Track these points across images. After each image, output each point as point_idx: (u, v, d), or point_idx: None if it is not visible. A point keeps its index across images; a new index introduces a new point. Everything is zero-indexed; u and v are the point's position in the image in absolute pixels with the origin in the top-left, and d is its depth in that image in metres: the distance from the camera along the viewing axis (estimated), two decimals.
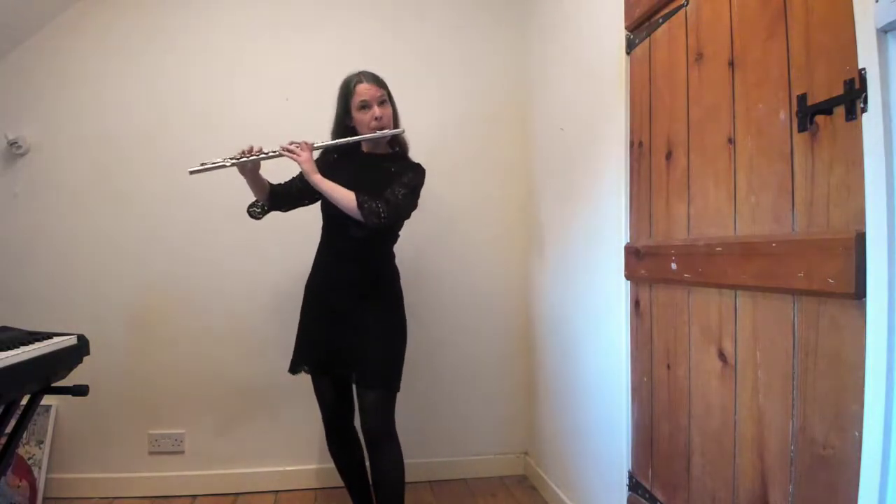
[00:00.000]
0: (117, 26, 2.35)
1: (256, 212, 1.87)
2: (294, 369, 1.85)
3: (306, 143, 1.71)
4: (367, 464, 1.84)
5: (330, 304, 1.79)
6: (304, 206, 1.90)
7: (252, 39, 2.42)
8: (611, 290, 1.71)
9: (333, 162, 1.83)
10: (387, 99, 1.77)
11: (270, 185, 1.84)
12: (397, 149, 1.85)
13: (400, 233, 1.88)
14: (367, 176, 1.73)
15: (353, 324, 1.74)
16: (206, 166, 1.69)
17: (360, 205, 1.63)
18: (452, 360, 2.51)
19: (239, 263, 2.38)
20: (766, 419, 1.07)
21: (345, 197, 1.65)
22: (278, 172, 1.88)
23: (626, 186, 1.63)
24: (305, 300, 1.88)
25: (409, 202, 1.72)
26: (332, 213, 1.78)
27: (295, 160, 1.69)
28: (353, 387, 1.78)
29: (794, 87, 1.01)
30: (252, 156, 1.70)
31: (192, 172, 1.70)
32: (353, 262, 1.77)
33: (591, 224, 1.89)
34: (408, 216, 1.78)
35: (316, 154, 1.76)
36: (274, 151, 1.70)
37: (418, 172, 1.77)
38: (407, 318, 1.84)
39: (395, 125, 1.79)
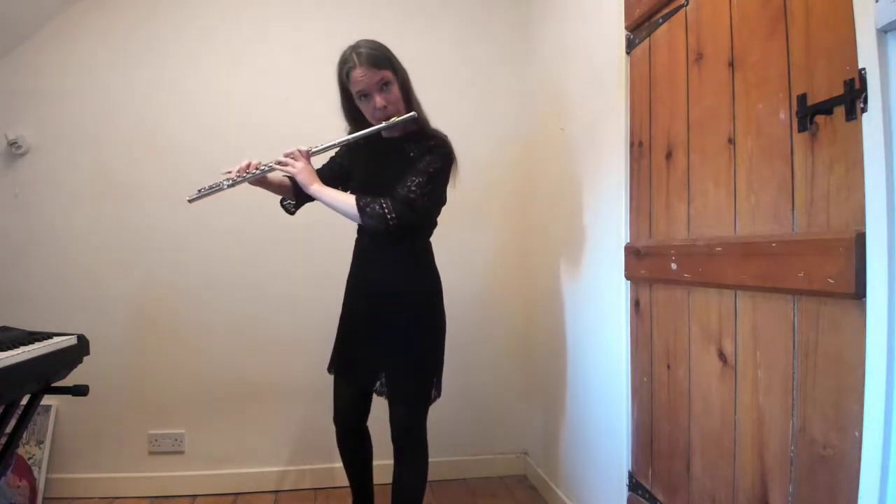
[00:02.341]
0: (117, 26, 2.35)
1: (290, 206, 1.75)
2: (330, 368, 1.74)
3: (300, 151, 1.56)
4: (374, 463, 1.80)
5: (356, 308, 1.67)
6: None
7: (252, 38, 2.42)
8: (611, 290, 1.71)
9: (357, 148, 1.68)
10: (391, 79, 1.51)
11: (292, 179, 1.67)
12: (415, 128, 1.60)
13: (438, 219, 1.70)
14: (388, 163, 1.57)
15: (379, 332, 1.60)
16: (204, 192, 1.58)
17: (360, 210, 1.47)
18: (452, 360, 2.49)
19: (240, 263, 2.38)
20: (766, 419, 1.07)
21: (346, 203, 1.50)
22: None
23: (626, 186, 1.63)
24: (343, 302, 1.74)
25: (426, 190, 1.49)
26: None
27: (290, 173, 1.55)
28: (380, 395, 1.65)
29: (794, 87, 1.01)
30: (248, 173, 1.56)
31: (190, 200, 1.60)
32: (382, 264, 1.61)
33: (591, 224, 1.89)
34: (431, 206, 1.55)
35: (316, 158, 1.62)
36: (269, 166, 1.58)
37: (438, 154, 1.53)
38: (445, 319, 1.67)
39: (409, 105, 1.55)
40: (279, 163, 1.57)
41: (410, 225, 1.49)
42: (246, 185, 1.67)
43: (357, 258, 1.70)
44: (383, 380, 1.60)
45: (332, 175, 1.73)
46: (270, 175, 1.65)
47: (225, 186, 1.57)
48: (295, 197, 1.73)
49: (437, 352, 1.64)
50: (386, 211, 1.46)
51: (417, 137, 1.58)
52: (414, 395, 1.59)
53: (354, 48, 1.52)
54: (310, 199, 1.68)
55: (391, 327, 1.58)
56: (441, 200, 1.61)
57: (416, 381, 1.59)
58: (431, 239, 1.69)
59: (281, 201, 1.78)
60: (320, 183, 1.55)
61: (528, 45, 2.54)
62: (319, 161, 1.74)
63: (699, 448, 1.29)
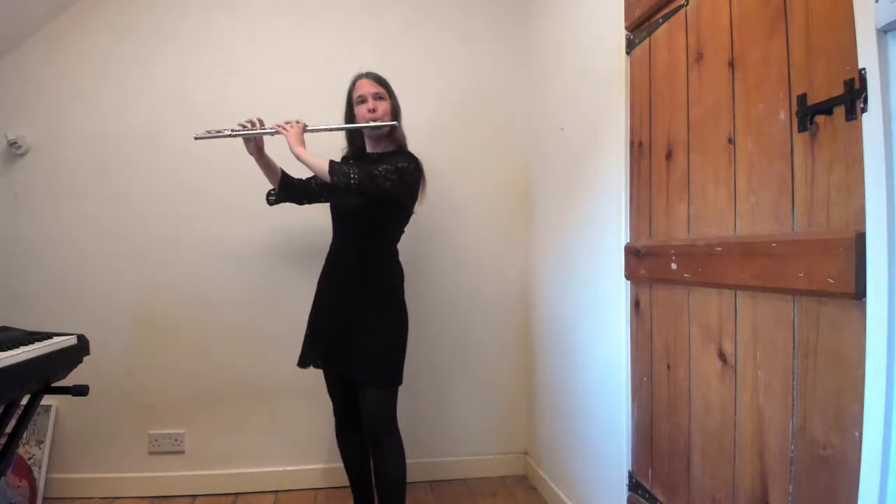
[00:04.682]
0: (117, 26, 2.35)
1: (272, 199, 1.98)
2: (302, 362, 1.87)
3: (298, 122, 1.80)
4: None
5: (331, 300, 1.84)
6: (321, 202, 1.99)
7: (252, 38, 2.42)
8: (611, 290, 1.71)
9: (351, 165, 1.89)
10: (385, 95, 1.83)
11: (283, 171, 1.95)
12: (395, 147, 1.89)
13: (405, 228, 1.91)
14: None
15: (350, 321, 1.76)
16: (211, 134, 1.81)
17: (330, 168, 1.70)
18: (452, 360, 2.50)
19: (240, 263, 2.38)
20: (766, 419, 1.07)
21: (318, 162, 1.72)
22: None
23: (626, 186, 1.63)
24: (315, 295, 1.92)
25: (391, 178, 1.72)
26: (334, 209, 1.89)
27: (283, 134, 1.78)
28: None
29: (794, 87, 1.01)
30: (252, 129, 1.82)
31: (196, 138, 1.81)
32: (352, 259, 1.81)
33: (591, 224, 1.89)
34: (391, 192, 1.73)
35: (308, 136, 1.81)
36: (271, 128, 1.81)
37: (407, 157, 1.80)
38: (408, 315, 1.86)
39: (395, 121, 1.84)
40: (278, 125, 1.80)
41: (368, 192, 1.71)
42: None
43: (333, 258, 1.88)
44: (358, 366, 1.74)
45: (305, 187, 1.99)
46: (269, 155, 1.91)
47: (227, 132, 1.81)
48: (279, 188, 1.96)
49: (402, 339, 1.82)
50: (351, 173, 1.69)
51: (395, 153, 1.86)
52: (385, 377, 1.74)
53: (367, 71, 1.87)
54: (292, 197, 1.98)
55: (367, 320, 1.75)
56: (399, 198, 1.79)
57: (385, 365, 1.74)
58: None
59: (267, 194, 1.98)
60: (304, 148, 1.76)
61: (527, 44, 2.54)
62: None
63: (699, 448, 1.29)
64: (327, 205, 1.94)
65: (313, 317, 1.90)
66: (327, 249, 1.91)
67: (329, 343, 1.81)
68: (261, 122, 1.83)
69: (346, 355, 1.76)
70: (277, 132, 1.80)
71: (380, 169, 1.71)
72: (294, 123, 1.79)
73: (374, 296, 1.78)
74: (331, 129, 1.86)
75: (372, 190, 1.70)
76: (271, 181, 1.95)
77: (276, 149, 1.92)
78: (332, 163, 1.72)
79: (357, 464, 1.94)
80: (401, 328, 1.82)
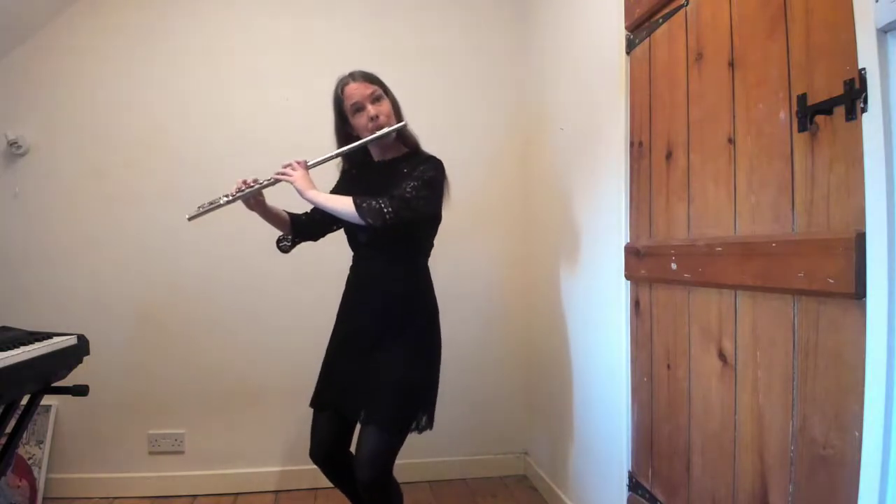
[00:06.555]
0: (117, 26, 2.35)
1: (286, 245, 1.76)
2: (315, 403, 1.65)
3: (298, 162, 1.59)
4: None
5: (350, 334, 1.63)
6: (334, 231, 1.78)
7: (251, 39, 2.42)
8: (611, 290, 1.71)
9: (353, 177, 1.72)
10: (381, 94, 1.60)
11: (289, 214, 1.74)
12: (407, 149, 1.67)
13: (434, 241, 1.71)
14: (383, 184, 1.55)
15: (372, 356, 1.56)
16: (205, 208, 1.59)
17: (357, 207, 1.48)
18: (452, 359, 2.48)
19: (239, 263, 2.38)
20: (766, 419, 1.07)
21: (342, 203, 1.51)
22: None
23: (626, 186, 1.63)
24: (337, 329, 1.70)
25: (423, 194, 1.51)
26: (349, 233, 1.70)
27: (288, 181, 1.56)
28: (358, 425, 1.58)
29: (794, 87, 1.01)
30: (248, 188, 1.59)
31: (190, 218, 1.60)
32: (376, 287, 1.61)
33: (591, 224, 1.89)
34: (429, 211, 1.55)
35: (314, 171, 1.62)
36: (269, 180, 1.59)
37: (431, 164, 1.59)
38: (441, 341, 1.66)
39: (399, 119, 1.63)
40: (278, 173, 1.59)
41: (407, 221, 1.50)
42: (255, 169, 1.68)
43: (353, 283, 1.68)
44: (369, 406, 1.53)
45: (313, 220, 1.76)
46: (270, 205, 1.69)
47: (223, 202, 1.59)
48: (292, 232, 1.75)
49: (429, 379, 1.61)
50: (383, 206, 1.47)
51: (410, 158, 1.64)
52: (389, 419, 1.50)
53: (350, 72, 1.62)
54: (306, 237, 1.78)
55: (388, 352, 1.55)
56: (437, 213, 1.62)
57: (395, 405, 1.52)
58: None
59: (277, 242, 1.77)
60: (316, 189, 1.57)
61: (527, 44, 2.54)
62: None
63: (699, 448, 1.29)
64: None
65: (329, 353, 1.68)
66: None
67: (343, 384, 1.59)
68: (255, 179, 1.60)
69: (360, 395, 1.55)
70: (279, 180, 1.58)
71: (408, 188, 1.49)
72: (295, 165, 1.57)
73: (405, 325, 1.57)
74: (335, 156, 1.64)
75: (409, 217, 1.48)
76: (276, 226, 1.73)
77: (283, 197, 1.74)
78: (356, 202, 1.48)
79: (348, 486, 1.68)
80: (432, 364, 1.62)
